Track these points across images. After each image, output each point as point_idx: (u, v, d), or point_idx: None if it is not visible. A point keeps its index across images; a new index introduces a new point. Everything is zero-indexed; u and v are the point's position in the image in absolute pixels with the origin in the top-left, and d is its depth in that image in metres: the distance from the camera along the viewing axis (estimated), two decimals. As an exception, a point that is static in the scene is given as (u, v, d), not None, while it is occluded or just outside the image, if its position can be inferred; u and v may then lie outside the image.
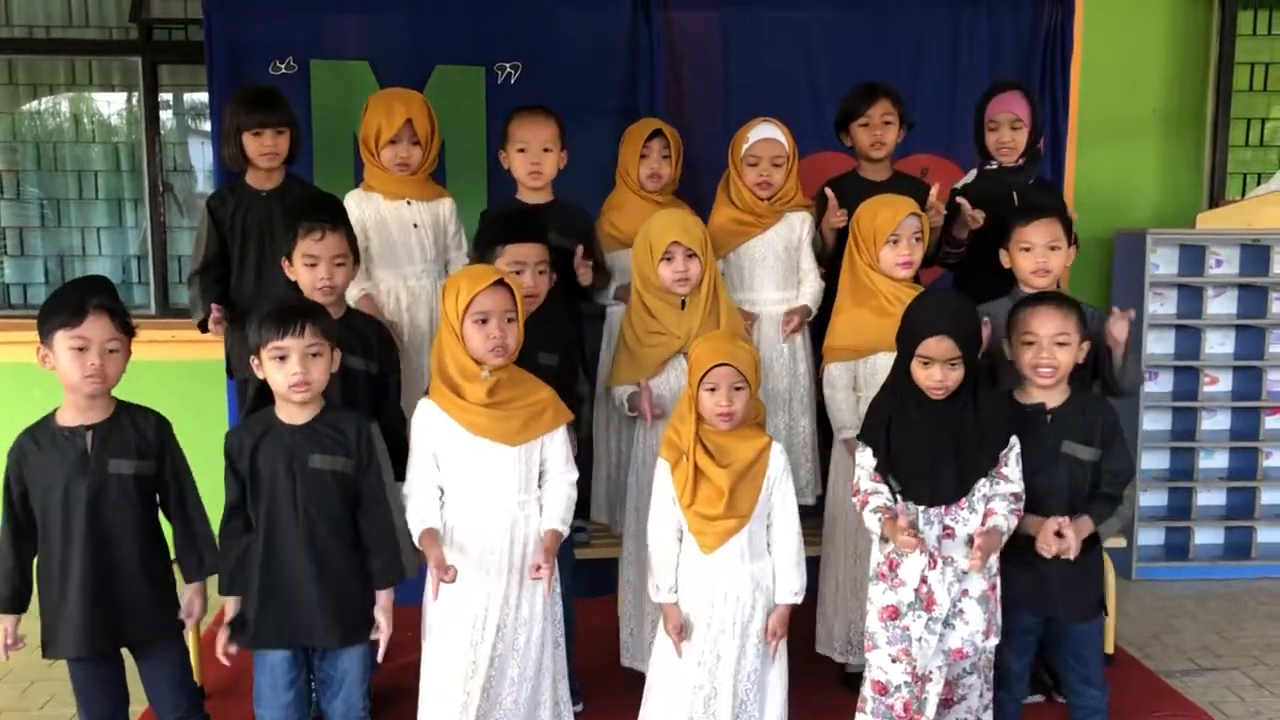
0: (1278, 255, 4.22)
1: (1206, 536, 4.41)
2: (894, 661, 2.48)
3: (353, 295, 2.92)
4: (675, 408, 2.61)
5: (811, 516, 2.99)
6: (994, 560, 2.46)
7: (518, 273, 2.67)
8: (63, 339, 2.26)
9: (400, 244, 3.09)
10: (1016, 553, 2.47)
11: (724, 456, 2.43)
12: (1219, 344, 4.39)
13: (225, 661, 2.37)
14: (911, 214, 2.89)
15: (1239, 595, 4.13)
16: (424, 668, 2.52)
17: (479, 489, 2.44)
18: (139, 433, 2.35)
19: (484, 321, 2.38)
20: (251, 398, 2.67)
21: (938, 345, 2.39)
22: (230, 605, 2.39)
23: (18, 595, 2.35)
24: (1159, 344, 4.39)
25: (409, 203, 3.10)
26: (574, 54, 3.84)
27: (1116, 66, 4.35)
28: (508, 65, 3.84)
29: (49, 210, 4.60)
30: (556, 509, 2.48)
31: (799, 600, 2.49)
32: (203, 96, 4.25)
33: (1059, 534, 2.42)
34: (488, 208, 3.38)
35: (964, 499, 2.43)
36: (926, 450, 2.43)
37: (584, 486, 2.78)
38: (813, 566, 2.74)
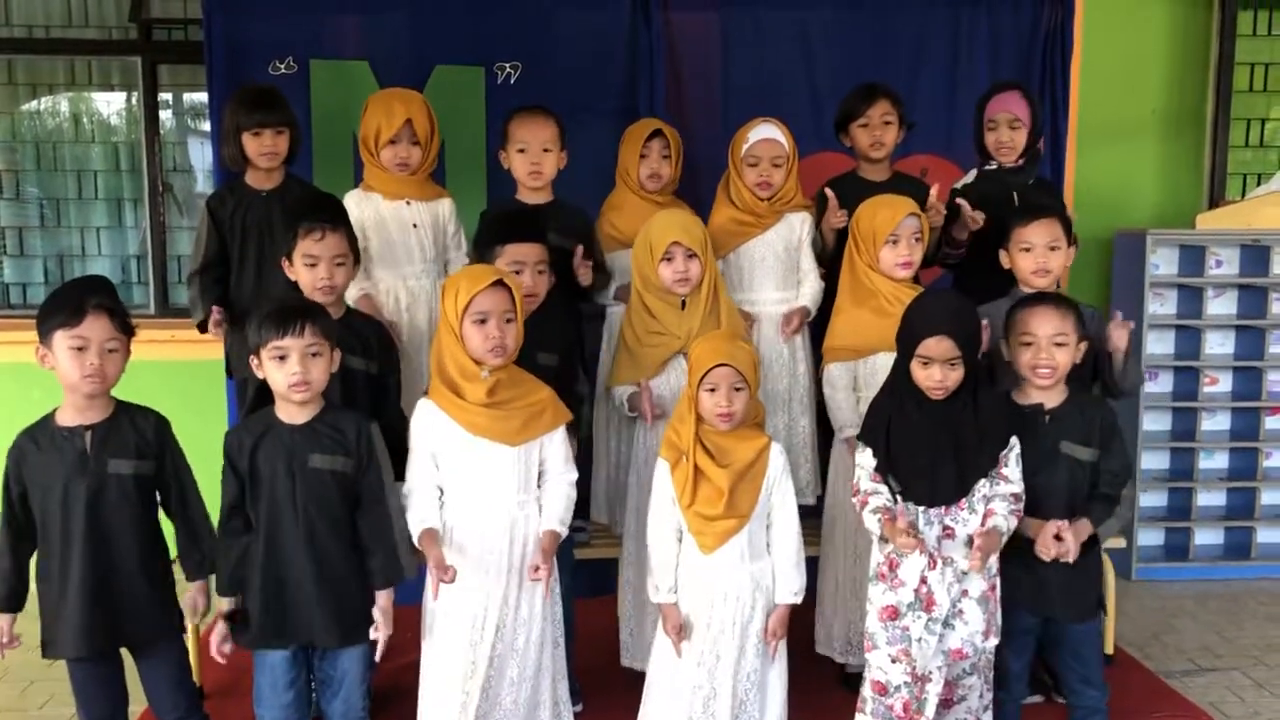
0: (1278, 256, 4.21)
1: (1206, 537, 4.41)
2: (894, 662, 2.48)
3: (352, 295, 2.92)
4: (675, 408, 2.61)
5: (811, 516, 2.99)
6: (994, 561, 2.46)
7: (517, 273, 2.67)
8: (62, 339, 2.26)
9: (400, 244, 3.09)
10: (1016, 553, 2.47)
11: (724, 457, 2.42)
12: (1219, 344, 4.39)
13: (220, 660, 2.36)
14: (911, 214, 2.89)
15: (1239, 595, 4.13)
16: (423, 668, 2.52)
17: (478, 489, 2.44)
18: (138, 433, 2.35)
19: (483, 321, 2.38)
20: (251, 398, 2.67)
21: (937, 345, 2.39)
22: (226, 606, 2.38)
23: (14, 594, 2.35)
24: (1159, 344, 4.39)
25: (408, 203, 3.10)
26: (574, 54, 3.84)
27: (1116, 67, 4.35)
28: (507, 65, 3.84)
29: (48, 210, 4.60)
30: (555, 509, 2.48)
31: (799, 600, 2.49)
32: (202, 96, 4.25)
33: (1058, 537, 2.42)
34: (487, 208, 3.38)
35: (964, 499, 2.43)
36: (926, 450, 2.43)
37: (584, 486, 2.78)
38: (812, 566, 2.74)
